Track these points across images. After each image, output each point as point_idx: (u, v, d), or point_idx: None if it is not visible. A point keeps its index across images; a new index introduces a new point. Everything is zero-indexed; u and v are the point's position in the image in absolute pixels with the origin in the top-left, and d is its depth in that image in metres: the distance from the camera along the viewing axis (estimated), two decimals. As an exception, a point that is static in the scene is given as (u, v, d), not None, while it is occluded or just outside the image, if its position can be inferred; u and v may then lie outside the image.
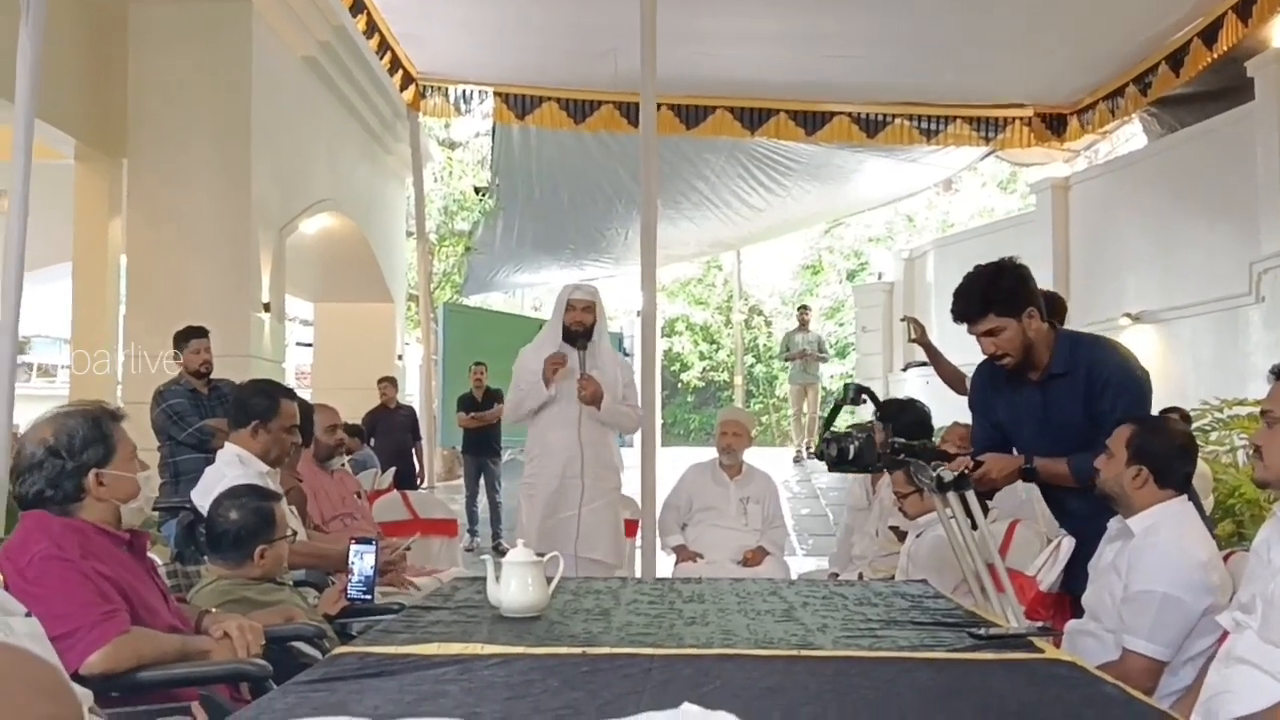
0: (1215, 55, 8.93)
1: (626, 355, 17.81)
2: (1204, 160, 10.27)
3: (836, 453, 2.92)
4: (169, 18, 8.25)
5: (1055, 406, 3.35)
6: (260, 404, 4.01)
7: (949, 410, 5.77)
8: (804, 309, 15.50)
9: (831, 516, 10.94)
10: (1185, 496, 2.98)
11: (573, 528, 5.11)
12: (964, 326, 3.39)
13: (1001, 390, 3.50)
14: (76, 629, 2.45)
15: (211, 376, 6.18)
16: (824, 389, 16.54)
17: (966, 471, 2.90)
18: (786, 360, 14.82)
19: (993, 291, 3.32)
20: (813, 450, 13.79)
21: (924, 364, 5.79)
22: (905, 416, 4.83)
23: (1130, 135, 13.88)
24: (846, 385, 3.09)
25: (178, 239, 8.18)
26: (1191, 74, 9.38)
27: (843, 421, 3.23)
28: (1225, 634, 2.48)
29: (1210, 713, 2.37)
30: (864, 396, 3.09)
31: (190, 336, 6.22)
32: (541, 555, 2.75)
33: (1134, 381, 3.33)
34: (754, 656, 2.31)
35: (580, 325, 5.19)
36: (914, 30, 9.38)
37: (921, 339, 5.59)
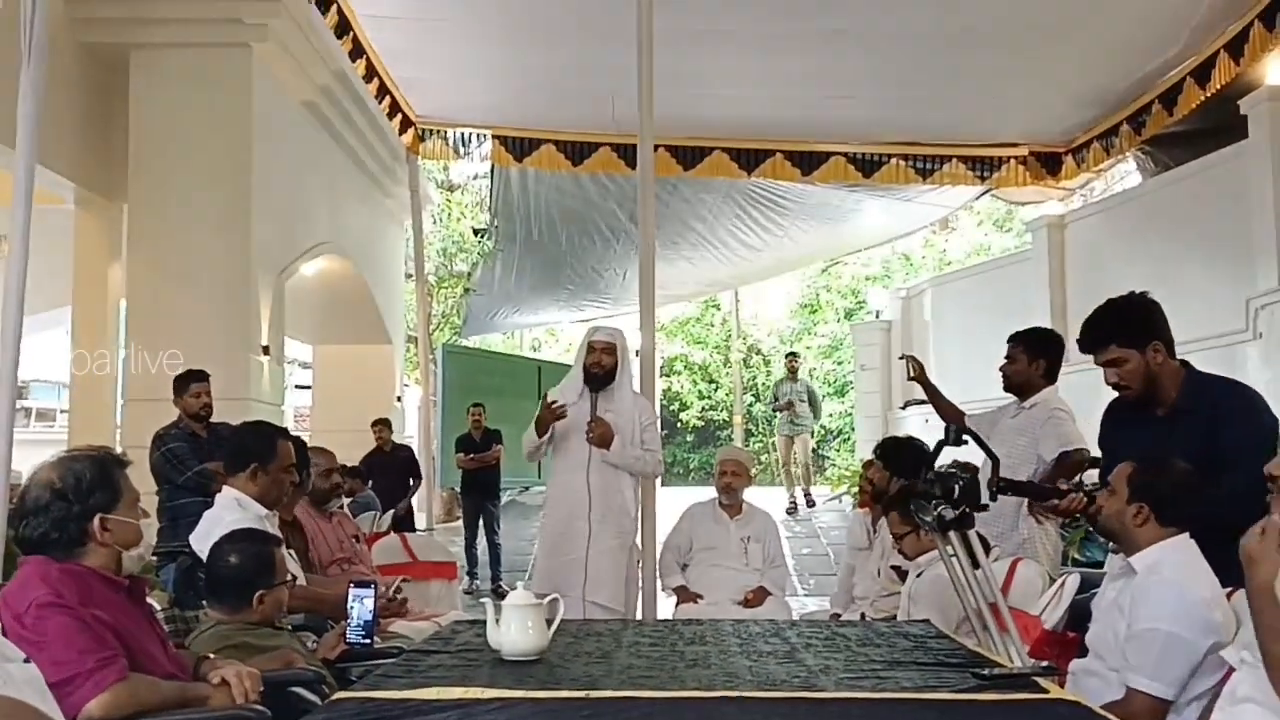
0: (1208, 94, 9.01)
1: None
2: (1198, 198, 10.33)
3: (944, 493, 2.90)
4: (170, 63, 8.31)
5: (1178, 443, 3.32)
6: (257, 446, 3.99)
7: (952, 450, 5.76)
8: (793, 356, 15.07)
9: (832, 556, 10.90)
10: (1188, 534, 2.97)
11: (579, 571, 5.05)
12: (1088, 356, 3.42)
13: (1126, 426, 3.51)
14: (75, 676, 2.44)
15: (211, 420, 6.17)
16: (822, 428, 16.14)
17: (1081, 508, 2.87)
18: (775, 410, 14.30)
19: (1118, 322, 3.37)
20: (810, 500, 13.65)
21: (923, 402, 5.78)
22: (904, 457, 4.83)
23: (1125, 173, 13.97)
24: (948, 429, 3.09)
25: (177, 283, 8.19)
26: (1184, 112, 9.45)
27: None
28: (1230, 672, 2.46)
29: (1217, 752, 2.35)
30: (965, 438, 3.10)
31: (190, 380, 6.21)
32: (542, 597, 2.73)
33: (1254, 425, 3.33)
34: (757, 699, 2.29)
35: (599, 367, 5.19)
36: (909, 71, 9.46)
37: (920, 377, 5.59)
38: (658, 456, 5.42)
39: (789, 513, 13.08)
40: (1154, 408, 3.39)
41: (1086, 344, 3.42)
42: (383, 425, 10.29)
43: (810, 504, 13.59)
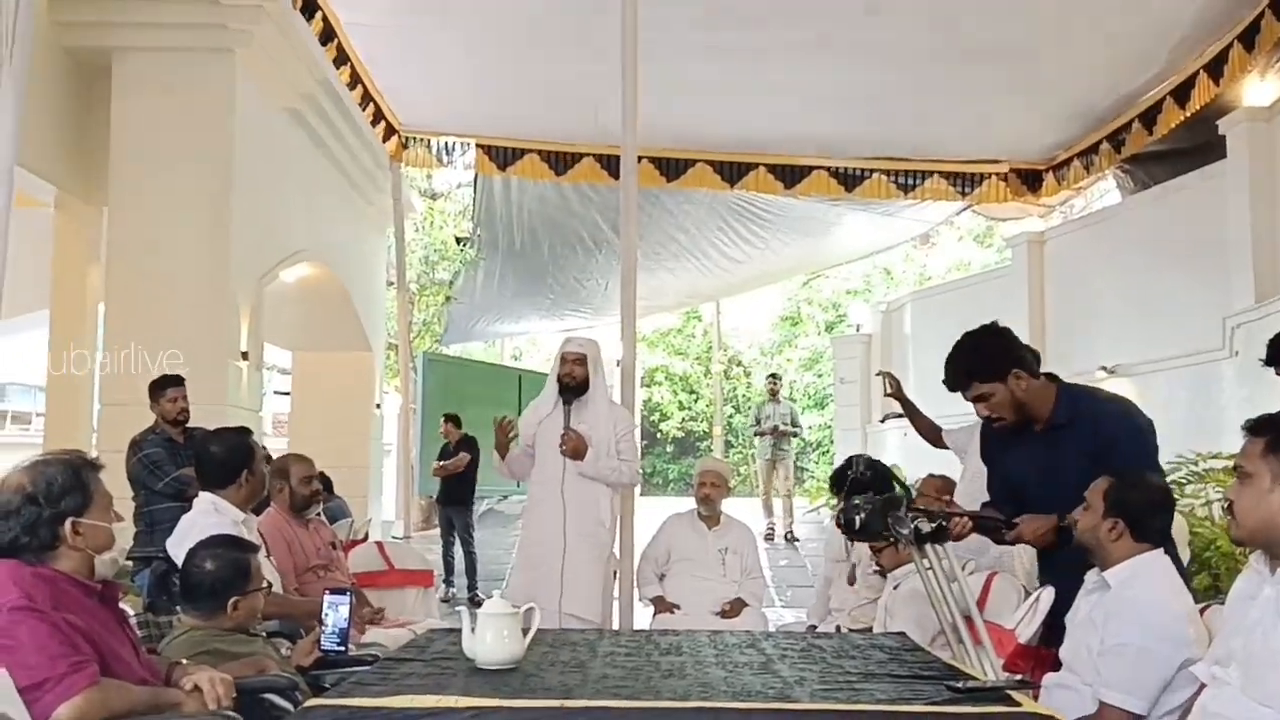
0: (1187, 113, 9.09)
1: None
2: (1177, 216, 10.42)
3: (845, 523, 2.99)
4: (152, 68, 8.27)
5: (1058, 456, 3.41)
6: (238, 455, 4.03)
7: (927, 462, 5.79)
8: (774, 379, 14.34)
9: (810, 568, 10.90)
10: (1162, 550, 2.99)
11: (556, 583, 5.05)
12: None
13: (1008, 443, 3.57)
14: (45, 680, 2.42)
15: (188, 425, 6.13)
16: (801, 440, 15.63)
17: (1003, 530, 2.95)
18: (757, 435, 13.48)
19: (974, 360, 3.45)
20: (792, 535, 12.94)
21: (901, 416, 5.82)
22: (858, 477, 4.85)
23: (1104, 191, 14.07)
24: (852, 459, 3.21)
25: (157, 287, 8.14)
26: (1164, 132, 9.54)
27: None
28: (1202, 687, 2.48)
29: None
30: (867, 471, 3.19)
31: (167, 385, 6.17)
32: (518, 606, 2.73)
33: (1139, 433, 3.44)
34: (732, 710, 2.29)
35: (571, 378, 5.20)
36: (892, 86, 9.52)
37: (897, 394, 5.62)
38: (634, 467, 5.42)
39: (767, 539, 12.54)
40: (1031, 426, 3.48)
41: (950, 385, 3.51)
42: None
43: (792, 539, 12.82)
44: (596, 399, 5.28)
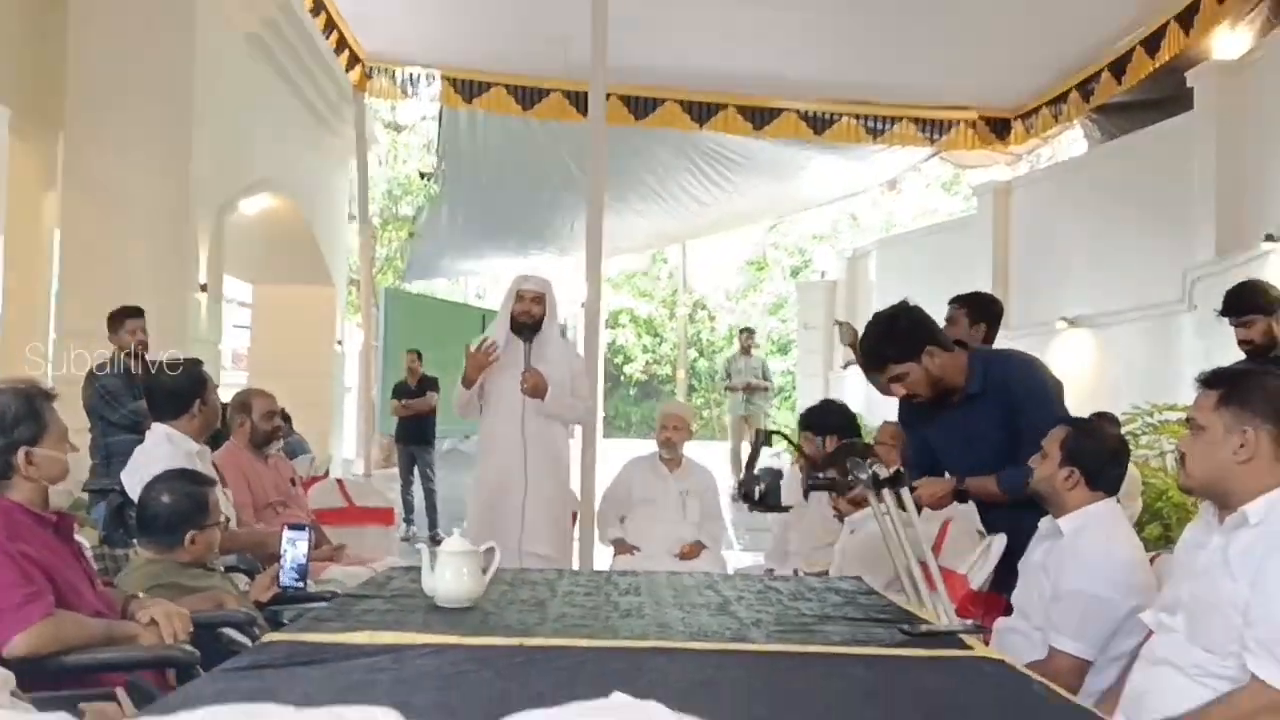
0: (1157, 64, 9.10)
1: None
2: (1142, 168, 10.46)
3: (744, 495, 3.04)
4: (110, -11, 8.09)
5: (975, 425, 3.47)
6: (187, 384, 4.00)
7: (885, 410, 5.82)
8: (748, 333, 14.11)
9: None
10: (1115, 499, 3.03)
11: (516, 521, 5.04)
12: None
13: (928, 418, 3.63)
14: (-1, 611, 2.40)
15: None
16: (768, 417, 14.61)
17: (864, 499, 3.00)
18: (727, 390, 13.35)
19: (887, 343, 3.48)
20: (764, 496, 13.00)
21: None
22: (830, 420, 4.89)
23: (1072, 140, 14.10)
24: (758, 432, 3.25)
25: (114, 215, 8.01)
26: (1133, 82, 9.54)
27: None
28: (1150, 634, 2.53)
29: (1133, 713, 2.41)
30: (774, 438, 3.25)
31: (125, 316, 6.10)
32: (478, 546, 2.73)
33: (1046, 393, 3.48)
34: (688, 650, 2.32)
35: (528, 316, 5.15)
36: (862, 29, 9.45)
37: (855, 343, 5.64)
38: (589, 404, 5.44)
39: (734, 499, 12.28)
40: (947, 397, 3.52)
41: (865, 367, 3.59)
42: None
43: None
44: (552, 337, 5.26)
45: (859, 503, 3.74)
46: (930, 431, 3.64)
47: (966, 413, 3.49)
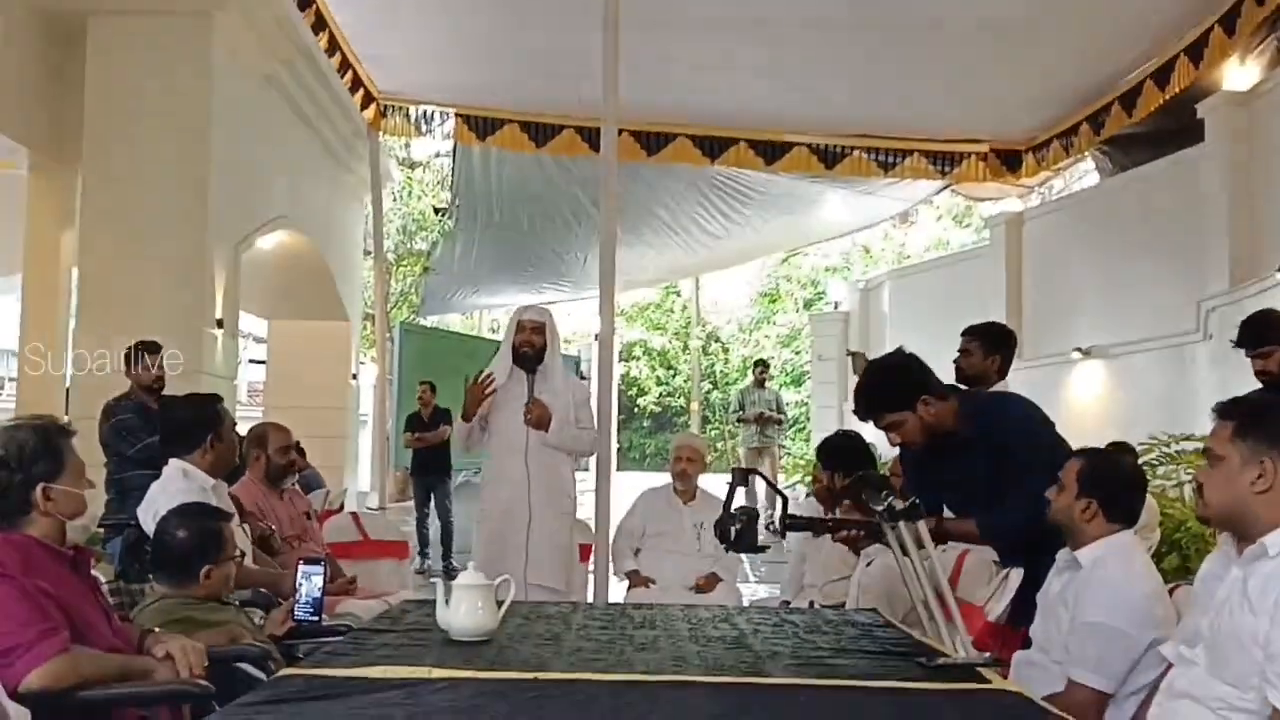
0: (1167, 96, 9.11)
1: (583, 378, 17.80)
2: (1154, 199, 10.46)
3: (720, 535, 3.05)
4: (129, 30, 8.17)
5: (968, 469, 3.48)
6: (202, 418, 4.00)
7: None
8: (762, 365, 13.94)
9: (784, 543, 10.94)
10: (1133, 530, 3.01)
11: (521, 553, 5.02)
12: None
13: (926, 466, 3.65)
14: (15, 646, 2.41)
15: (163, 392, 6.08)
16: (783, 449, 14.54)
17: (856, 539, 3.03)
18: (740, 422, 13.07)
19: (882, 393, 3.51)
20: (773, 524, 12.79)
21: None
22: (844, 452, 4.88)
23: (1083, 172, 14.12)
24: (734, 471, 3.29)
25: (131, 253, 8.06)
26: (1143, 114, 9.55)
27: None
28: (1169, 666, 2.50)
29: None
30: (749, 478, 3.30)
31: (142, 351, 6.13)
32: (492, 579, 2.73)
33: (1034, 434, 3.50)
34: (704, 684, 2.30)
35: (529, 346, 5.15)
36: (873, 64, 9.50)
37: None
38: (594, 435, 5.42)
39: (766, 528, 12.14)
40: (942, 444, 3.54)
41: (861, 415, 3.57)
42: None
43: (781, 533, 12.53)
44: (554, 368, 5.27)
45: (852, 542, 3.73)
46: (926, 477, 3.64)
47: (959, 457, 3.51)
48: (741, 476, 3.25)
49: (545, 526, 5.12)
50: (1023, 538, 3.32)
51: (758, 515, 3.07)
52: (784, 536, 3.31)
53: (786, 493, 3.40)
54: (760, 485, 4.77)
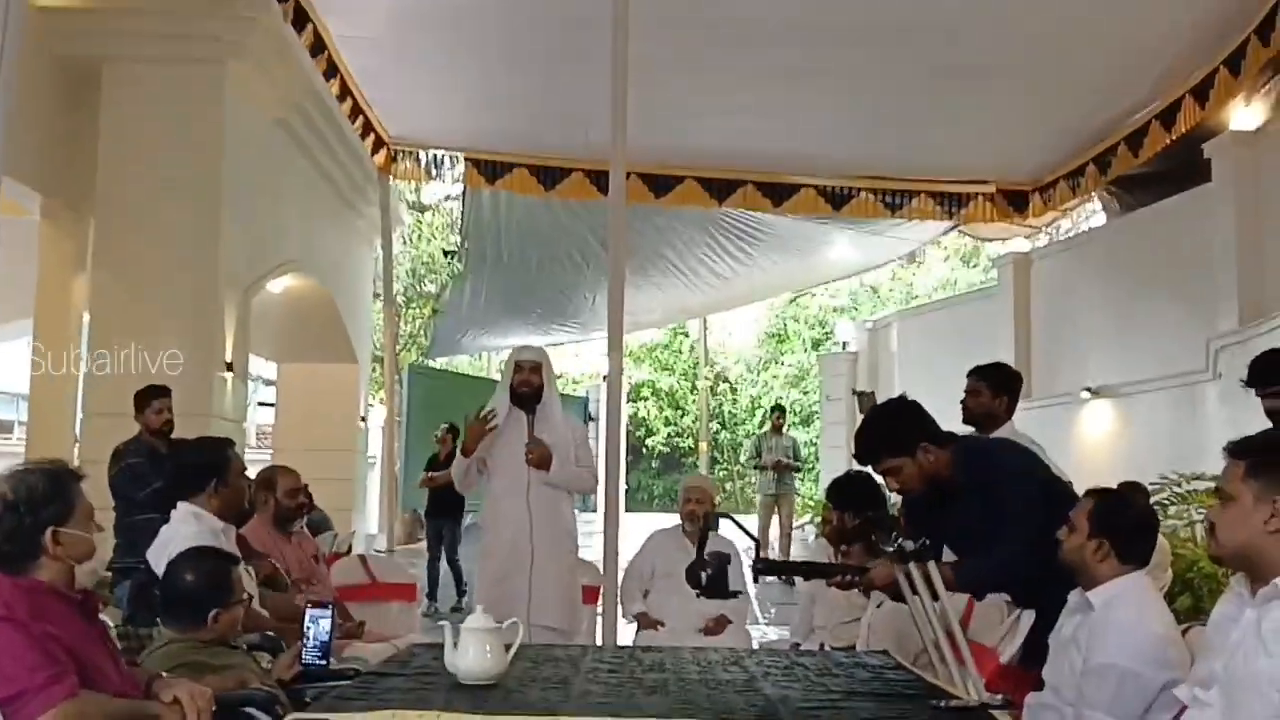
0: (1173, 137, 9.13)
1: (591, 419, 17.80)
2: (1162, 239, 10.48)
3: (691, 581, 3.07)
4: (141, 77, 8.27)
5: (968, 519, 3.49)
6: (210, 461, 4.01)
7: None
8: (779, 411, 13.80)
9: (794, 585, 10.88)
10: (1144, 570, 3.00)
11: (524, 595, 4.99)
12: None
13: (928, 513, 3.64)
14: (23, 692, 2.40)
15: (172, 436, 6.10)
16: (799, 496, 14.36)
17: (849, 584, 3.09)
18: (757, 469, 12.91)
19: (882, 438, 3.54)
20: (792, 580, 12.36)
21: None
22: (854, 492, 4.87)
23: (1091, 212, 14.14)
24: (707, 515, 3.33)
25: (142, 297, 8.12)
26: (1150, 155, 9.57)
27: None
28: (1183, 709, 2.48)
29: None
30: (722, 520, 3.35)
31: (151, 395, 6.15)
32: (501, 622, 2.72)
33: (1023, 485, 3.50)
34: (714, 727, 2.29)
35: (527, 386, 5.16)
36: (880, 106, 9.55)
37: None
38: (593, 473, 5.42)
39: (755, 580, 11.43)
40: (941, 491, 3.55)
41: (860, 459, 3.60)
42: None
43: (789, 583, 11.41)
44: (552, 407, 5.27)
45: (845, 587, 3.72)
46: (926, 523, 3.64)
47: (957, 506, 3.52)
48: (715, 521, 3.29)
49: (548, 566, 5.10)
50: (997, 590, 3.33)
51: (729, 560, 3.08)
52: (756, 582, 3.34)
53: (797, 533, 3.43)
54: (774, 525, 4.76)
